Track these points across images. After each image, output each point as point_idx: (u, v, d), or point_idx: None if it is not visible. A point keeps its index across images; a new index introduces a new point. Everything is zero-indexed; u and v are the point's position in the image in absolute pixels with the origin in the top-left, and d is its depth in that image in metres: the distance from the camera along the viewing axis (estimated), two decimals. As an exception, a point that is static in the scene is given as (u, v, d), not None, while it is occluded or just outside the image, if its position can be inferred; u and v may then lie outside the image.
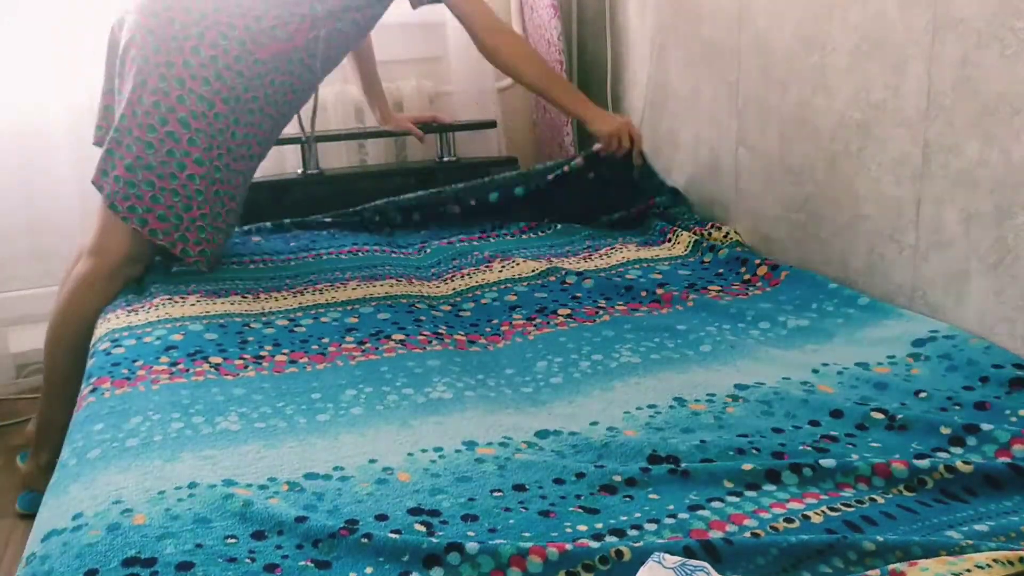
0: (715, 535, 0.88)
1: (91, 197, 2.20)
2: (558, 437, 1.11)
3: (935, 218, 1.34)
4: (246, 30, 1.68)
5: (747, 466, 0.99)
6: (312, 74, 1.80)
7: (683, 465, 1.01)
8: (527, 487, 0.99)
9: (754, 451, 1.04)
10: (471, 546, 0.85)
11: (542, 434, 1.11)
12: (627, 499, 0.96)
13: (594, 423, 1.14)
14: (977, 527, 0.86)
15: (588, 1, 2.43)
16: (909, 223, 1.40)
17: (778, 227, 1.72)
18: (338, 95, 2.36)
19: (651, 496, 0.96)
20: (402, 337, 1.44)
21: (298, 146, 2.25)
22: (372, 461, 1.06)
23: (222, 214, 1.71)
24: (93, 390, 1.27)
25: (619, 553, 0.83)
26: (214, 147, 1.67)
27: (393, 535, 0.88)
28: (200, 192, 1.66)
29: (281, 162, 2.34)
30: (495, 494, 0.98)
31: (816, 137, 1.58)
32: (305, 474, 1.02)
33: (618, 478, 0.99)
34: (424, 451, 1.08)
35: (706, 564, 0.76)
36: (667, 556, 0.77)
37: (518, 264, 1.77)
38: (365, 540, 0.87)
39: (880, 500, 0.94)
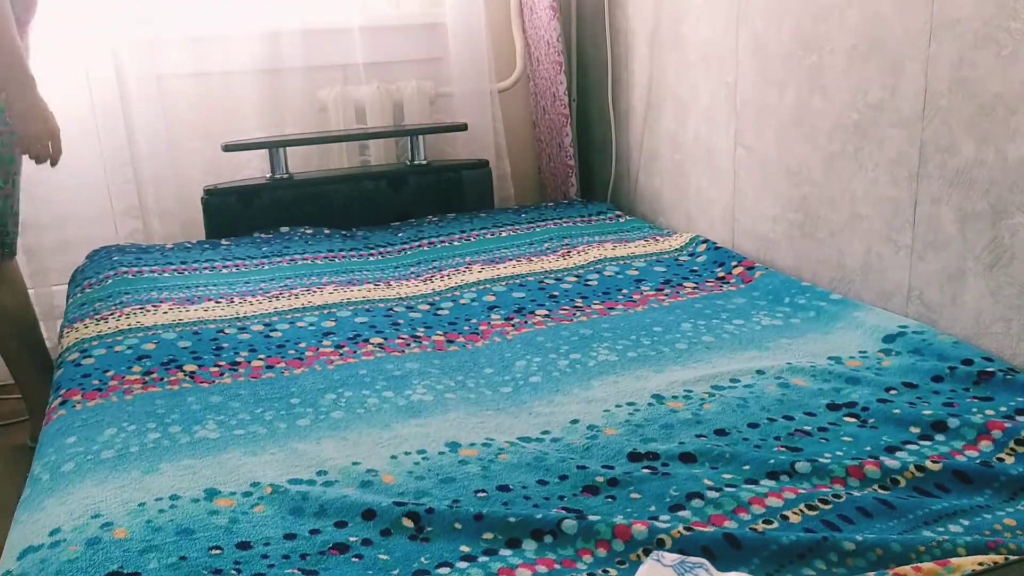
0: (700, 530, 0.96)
1: (116, 190, 2.35)
2: (540, 439, 1.19)
3: (931, 218, 1.44)
4: None
5: (727, 475, 1.08)
6: None
7: (661, 461, 1.10)
8: (511, 487, 1.08)
9: (728, 456, 1.12)
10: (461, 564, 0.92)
11: (524, 437, 1.19)
12: (609, 499, 1.05)
13: (575, 421, 1.24)
14: (952, 527, 0.95)
15: (588, 1, 2.53)
16: (906, 223, 1.49)
17: (776, 227, 1.82)
18: (338, 96, 2.45)
19: (632, 496, 1.05)
20: (380, 340, 1.54)
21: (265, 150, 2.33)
22: (355, 464, 1.13)
23: None
24: (63, 402, 1.32)
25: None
26: None
27: (383, 557, 0.94)
28: None
29: (247, 167, 2.43)
30: (479, 495, 1.06)
31: (814, 137, 1.68)
32: (289, 480, 1.10)
33: (600, 479, 1.08)
34: (407, 453, 1.16)
35: (704, 561, 0.83)
36: (666, 554, 0.84)
37: (498, 268, 1.88)
38: (356, 559, 0.94)
39: (856, 494, 1.02)
